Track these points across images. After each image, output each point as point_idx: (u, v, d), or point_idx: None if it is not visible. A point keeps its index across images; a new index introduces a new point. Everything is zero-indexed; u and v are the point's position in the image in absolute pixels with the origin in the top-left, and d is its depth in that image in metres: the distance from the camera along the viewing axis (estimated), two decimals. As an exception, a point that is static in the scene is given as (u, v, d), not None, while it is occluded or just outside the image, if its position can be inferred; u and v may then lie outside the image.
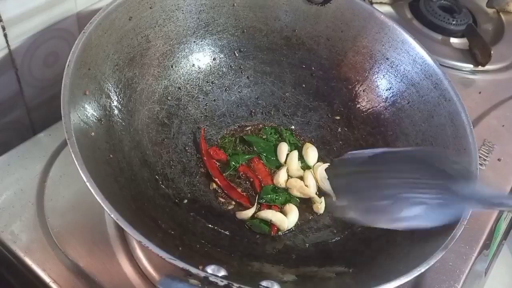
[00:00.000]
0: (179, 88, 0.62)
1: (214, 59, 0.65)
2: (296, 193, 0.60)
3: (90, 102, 0.49)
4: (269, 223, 0.57)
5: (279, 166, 0.63)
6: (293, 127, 0.67)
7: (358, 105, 0.66)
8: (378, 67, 0.65)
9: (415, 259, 0.44)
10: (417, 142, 0.60)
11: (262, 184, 0.60)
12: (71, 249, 0.52)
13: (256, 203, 0.57)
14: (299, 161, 0.63)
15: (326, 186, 0.61)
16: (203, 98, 0.65)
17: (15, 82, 0.61)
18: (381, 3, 0.95)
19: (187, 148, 0.60)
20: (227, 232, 0.54)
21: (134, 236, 0.38)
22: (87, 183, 0.40)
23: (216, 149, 0.61)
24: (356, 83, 0.66)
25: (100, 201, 0.39)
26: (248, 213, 0.57)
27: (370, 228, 0.55)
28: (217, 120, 0.65)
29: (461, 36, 0.93)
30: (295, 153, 0.63)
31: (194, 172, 0.59)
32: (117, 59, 0.54)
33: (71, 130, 0.43)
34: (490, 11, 1.03)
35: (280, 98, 0.68)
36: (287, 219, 0.57)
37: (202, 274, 0.36)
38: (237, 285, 0.36)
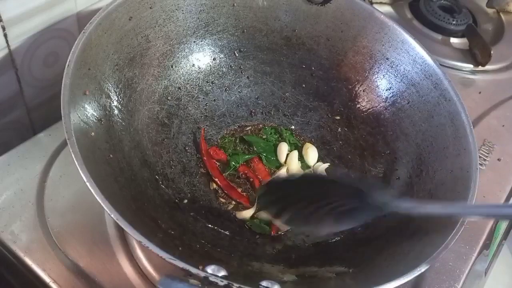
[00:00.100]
0: (179, 88, 0.62)
1: (214, 59, 0.65)
2: None
3: (90, 102, 0.49)
4: (269, 223, 0.57)
5: (279, 166, 0.63)
6: (293, 127, 0.67)
7: (358, 105, 0.66)
8: (378, 67, 0.65)
9: (415, 259, 0.44)
10: (417, 142, 0.60)
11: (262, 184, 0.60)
12: (71, 249, 0.52)
13: (256, 203, 0.57)
14: (299, 161, 0.63)
15: None
16: (203, 98, 0.65)
17: (15, 82, 0.61)
18: (381, 3, 0.95)
19: (187, 148, 0.60)
20: (227, 232, 0.54)
21: (134, 236, 0.38)
22: (87, 183, 0.40)
23: (216, 149, 0.61)
24: (356, 83, 0.66)
25: (100, 201, 0.39)
26: (248, 213, 0.57)
27: (370, 228, 0.55)
28: (217, 120, 0.65)
29: (461, 36, 0.93)
30: (295, 153, 0.63)
31: (194, 172, 0.59)
32: (117, 59, 0.54)
33: (71, 130, 0.43)
34: (490, 11, 1.03)
35: (280, 98, 0.68)
36: None
37: (202, 274, 0.36)
38: (237, 285, 0.36)
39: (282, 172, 0.61)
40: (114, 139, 0.51)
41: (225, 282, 0.36)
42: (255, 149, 0.63)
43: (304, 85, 0.68)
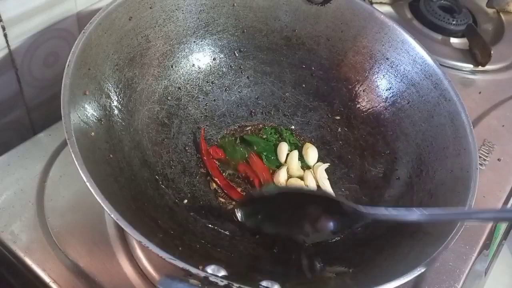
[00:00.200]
0: (179, 88, 0.62)
1: (214, 59, 0.65)
2: None
3: (90, 102, 0.49)
4: None
5: (279, 165, 0.63)
6: (293, 127, 0.67)
7: (358, 105, 0.66)
8: (378, 67, 0.65)
9: (415, 259, 0.44)
10: (417, 142, 0.60)
11: (262, 183, 0.60)
12: (71, 249, 0.52)
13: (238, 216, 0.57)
14: (299, 161, 0.63)
15: (326, 186, 0.61)
16: (203, 98, 0.65)
17: (15, 82, 0.61)
18: (381, 3, 0.95)
19: (187, 148, 0.60)
20: (227, 232, 0.54)
21: (134, 236, 0.38)
22: (87, 183, 0.40)
23: (216, 149, 0.61)
24: (356, 83, 0.66)
25: (100, 201, 0.39)
26: None
27: (370, 228, 0.55)
28: (217, 120, 0.65)
29: (461, 36, 0.93)
30: (295, 153, 0.63)
31: (194, 172, 0.59)
32: (117, 59, 0.54)
33: (71, 130, 0.43)
34: (490, 11, 1.03)
35: (280, 98, 0.68)
36: None
37: (202, 274, 0.36)
38: (237, 285, 0.36)
39: (282, 171, 0.61)
40: (114, 139, 0.51)
41: (225, 282, 0.36)
42: (255, 148, 0.63)
43: (304, 85, 0.68)
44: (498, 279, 1.00)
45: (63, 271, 0.50)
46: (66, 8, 0.61)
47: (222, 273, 0.37)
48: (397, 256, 0.49)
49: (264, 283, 0.38)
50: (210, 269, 0.37)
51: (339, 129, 0.66)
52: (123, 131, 0.53)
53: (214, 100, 0.65)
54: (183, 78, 0.63)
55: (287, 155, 0.63)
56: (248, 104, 0.67)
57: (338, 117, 0.67)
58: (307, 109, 0.68)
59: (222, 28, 0.65)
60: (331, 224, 0.51)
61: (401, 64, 0.64)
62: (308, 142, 0.66)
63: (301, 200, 0.52)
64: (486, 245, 0.63)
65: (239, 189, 0.59)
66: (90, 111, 0.48)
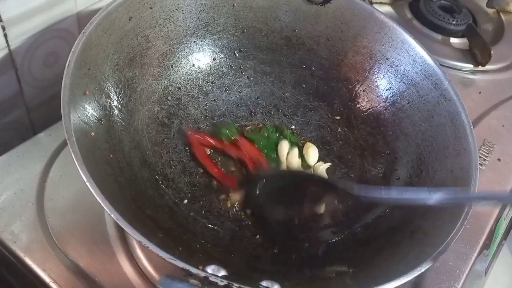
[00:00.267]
0: (179, 88, 0.62)
1: (214, 59, 0.65)
2: None
3: (90, 102, 0.49)
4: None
5: (279, 163, 0.63)
6: (293, 127, 0.67)
7: (358, 105, 0.66)
8: (378, 67, 0.65)
9: (415, 259, 0.44)
10: (417, 142, 0.60)
11: (256, 164, 0.60)
12: (71, 249, 0.52)
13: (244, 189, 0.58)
14: (300, 159, 0.63)
15: None
16: (203, 98, 0.65)
17: (15, 82, 0.61)
18: (381, 3, 0.95)
19: (187, 148, 0.60)
20: (227, 232, 0.54)
21: (134, 236, 0.38)
22: (87, 183, 0.40)
23: (203, 135, 0.61)
24: (356, 83, 0.66)
25: (100, 201, 0.39)
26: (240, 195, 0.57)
27: (370, 228, 0.55)
28: (217, 120, 0.65)
29: (461, 36, 0.93)
30: (295, 151, 0.63)
31: (194, 172, 0.59)
32: (117, 59, 0.54)
33: (71, 130, 0.43)
34: (490, 11, 1.03)
35: (280, 98, 0.68)
36: None
37: (202, 274, 0.36)
38: (237, 285, 0.36)
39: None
40: (114, 139, 0.51)
41: (225, 282, 0.36)
42: (256, 146, 0.63)
43: (304, 85, 0.68)
44: (498, 279, 1.00)
45: (63, 271, 0.50)
46: (66, 8, 0.61)
47: (222, 273, 0.37)
48: (397, 256, 0.49)
49: (264, 283, 0.38)
50: (210, 269, 0.37)
51: (339, 129, 0.66)
52: (123, 131, 0.53)
53: (214, 100, 0.65)
54: (183, 78, 0.63)
55: (288, 153, 0.63)
56: (248, 104, 0.67)
57: (338, 117, 0.67)
58: (307, 109, 0.68)
59: (222, 28, 0.65)
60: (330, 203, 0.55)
61: (401, 64, 0.64)
62: (308, 142, 0.66)
63: (301, 184, 0.54)
64: (486, 245, 0.63)
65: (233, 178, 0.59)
66: (90, 111, 0.48)
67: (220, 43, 0.65)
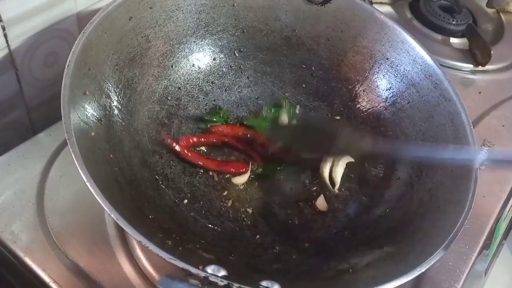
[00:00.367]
0: (179, 88, 0.62)
1: (214, 59, 0.65)
2: None
3: (90, 102, 0.49)
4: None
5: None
6: (287, 94, 0.67)
7: (358, 105, 0.66)
8: (378, 67, 0.65)
9: (415, 259, 0.44)
10: (417, 142, 0.60)
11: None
12: (71, 249, 0.52)
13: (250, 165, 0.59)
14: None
15: (337, 177, 0.61)
16: (203, 98, 0.65)
17: (15, 82, 0.61)
18: (381, 3, 0.95)
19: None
20: (227, 232, 0.54)
21: (134, 236, 0.38)
22: (87, 183, 0.40)
23: (189, 137, 0.60)
24: (356, 83, 0.66)
25: (100, 201, 0.39)
26: (244, 177, 0.58)
27: (370, 228, 0.55)
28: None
29: (461, 36, 0.93)
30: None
31: (194, 172, 0.59)
32: (117, 59, 0.54)
33: (71, 130, 0.43)
34: (490, 11, 1.03)
35: (280, 98, 0.68)
36: None
37: (202, 274, 0.36)
38: (237, 285, 0.36)
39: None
40: (114, 139, 0.51)
41: (225, 282, 0.36)
42: (258, 130, 0.63)
43: (304, 85, 0.68)
44: (498, 279, 1.00)
45: (63, 271, 0.50)
46: (66, 8, 0.61)
47: (222, 273, 0.37)
48: (397, 256, 0.49)
49: (264, 283, 0.38)
50: (210, 269, 0.37)
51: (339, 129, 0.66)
52: (123, 131, 0.53)
53: (214, 100, 0.65)
54: (183, 78, 0.63)
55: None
56: (248, 104, 0.67)
57: (338, 117, 0.67)
58: (307, 109, 0.68)
59: (222, 28, 0.65)
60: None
61: (401, 64, 0.64)
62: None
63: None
64: (486, 245, 0.63)
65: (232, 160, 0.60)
66: (90, 111, 0.48)
67: (220, 43, 0.65)
